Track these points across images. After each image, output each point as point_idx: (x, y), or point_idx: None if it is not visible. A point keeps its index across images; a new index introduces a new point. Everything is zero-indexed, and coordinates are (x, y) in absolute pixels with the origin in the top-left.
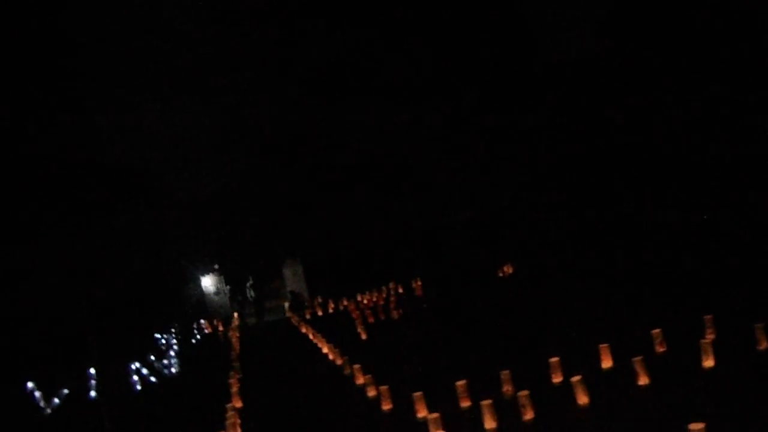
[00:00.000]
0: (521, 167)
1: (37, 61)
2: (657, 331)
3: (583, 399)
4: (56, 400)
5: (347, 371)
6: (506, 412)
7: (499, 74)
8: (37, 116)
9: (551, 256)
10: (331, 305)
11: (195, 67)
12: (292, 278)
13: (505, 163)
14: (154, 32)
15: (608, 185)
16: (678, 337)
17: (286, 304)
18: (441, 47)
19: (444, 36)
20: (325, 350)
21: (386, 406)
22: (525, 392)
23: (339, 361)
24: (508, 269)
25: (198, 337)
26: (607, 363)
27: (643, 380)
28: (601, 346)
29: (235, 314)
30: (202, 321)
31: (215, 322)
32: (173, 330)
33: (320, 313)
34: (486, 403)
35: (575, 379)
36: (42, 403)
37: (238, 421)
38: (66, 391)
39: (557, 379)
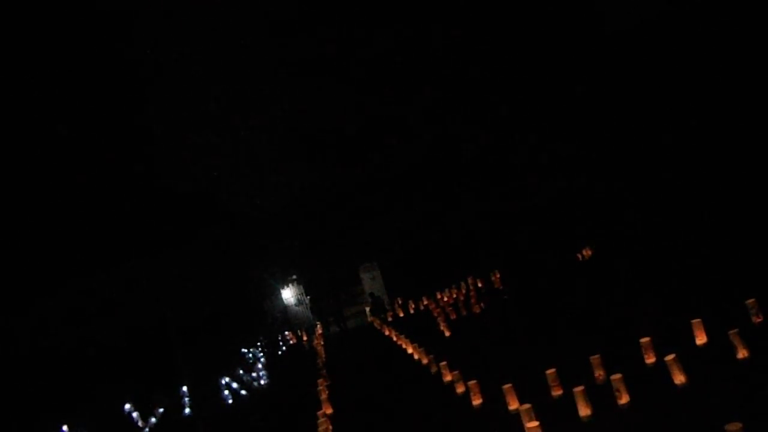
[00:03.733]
0: (594, 145)
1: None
2: (752, 300)
3: (679, 378)
4: (153, 419)
5: (434, 369)
6: (600, 398)
7: (560, 44)
8: (105, 147)
9: (631, 236)
10: (411, 305)
11: (250, 79)
12: (371, 282)
13: (576, 143)
14: (201, 47)
15: (688, 163)
16: None
17: (367, 309)
18: (497, 31)
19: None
20: (410, 350)
21: (476, 401)
22: (618, 376)
23: (424, 360)
24: (587, 252)
25: (283, 348)
26: (701, 339)
27: (741, 353)
28: (693, 321)
29: (318, 323)
30: (286, 332)
31: (299, 332)
32: (259, 343)
33: (401, 315)
34: (578, 389)
35: (669, 358)
36: (140, 423)
37: (330, 427)
38: (161, 410)
39: (650, 359)
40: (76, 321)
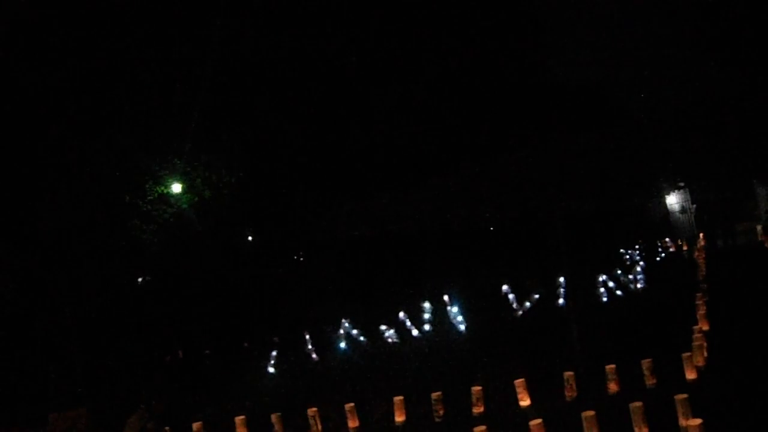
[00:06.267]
0: None
1: None
2: None
3: None
4: (528, 304)
5: None
6: None
7: None
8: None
9: None
10: None
11: None
12: (767, 198)
13: None
14: None
15: None
16: None
17: (759, 227)
18: None
19: None
20: None
21: None
22: None
23: None
24: None
25: (662, 255)
26: None
27: None
28: None
29: (701, 234)
30: (666, 239)
31: (679, 241)
32: (637, 246)
33: None
34: None
35: None
36: (515, 305)
37: (705, 344)
38: (537, 296)
39: None
40: (470, 201)
